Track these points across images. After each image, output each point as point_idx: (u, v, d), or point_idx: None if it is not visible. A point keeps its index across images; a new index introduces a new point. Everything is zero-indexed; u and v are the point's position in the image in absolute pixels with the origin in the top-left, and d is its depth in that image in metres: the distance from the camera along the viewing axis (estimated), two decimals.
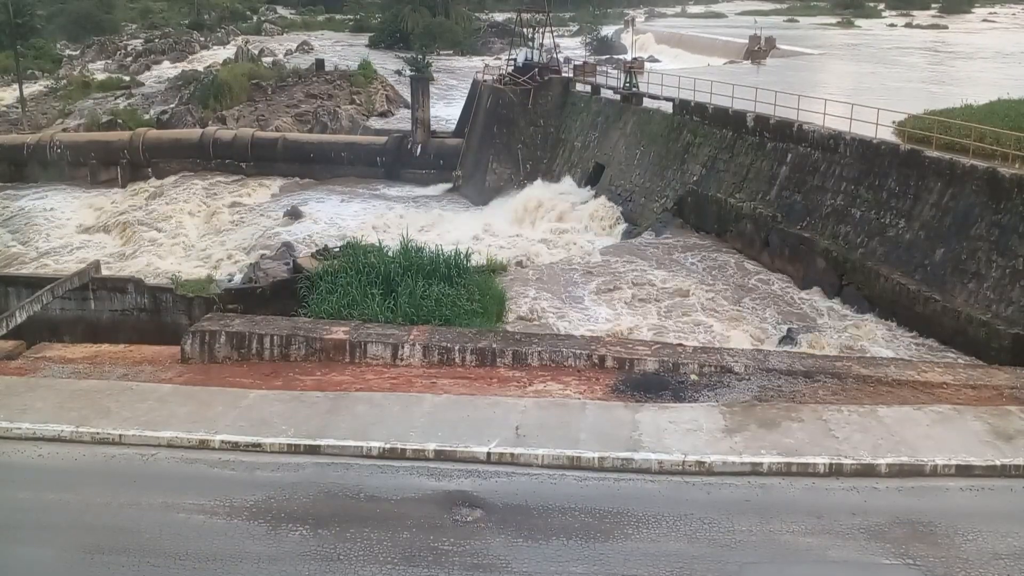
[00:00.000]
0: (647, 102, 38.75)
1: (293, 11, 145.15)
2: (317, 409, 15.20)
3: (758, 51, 64.16)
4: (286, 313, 20.32)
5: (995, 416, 14.97)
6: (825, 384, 16.14)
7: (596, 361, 17.04)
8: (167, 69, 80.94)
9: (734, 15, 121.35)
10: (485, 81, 47.84)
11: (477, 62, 71.93)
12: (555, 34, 51.87)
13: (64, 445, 14.20)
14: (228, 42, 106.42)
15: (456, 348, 17.27)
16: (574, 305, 24.84)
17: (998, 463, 13.47)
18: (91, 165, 48.68)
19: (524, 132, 44.34)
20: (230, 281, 30.67)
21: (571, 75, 45.98)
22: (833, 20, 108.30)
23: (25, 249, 38.03)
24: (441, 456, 13.78)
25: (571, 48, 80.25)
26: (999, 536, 11.80)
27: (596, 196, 38.28)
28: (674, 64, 68.27)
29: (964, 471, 13.37)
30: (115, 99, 64.56)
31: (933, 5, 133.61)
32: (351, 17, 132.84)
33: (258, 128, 53.65)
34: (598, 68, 47.19)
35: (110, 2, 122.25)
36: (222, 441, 14.16)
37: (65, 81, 73.69)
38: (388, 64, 76.83)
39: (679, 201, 32.70)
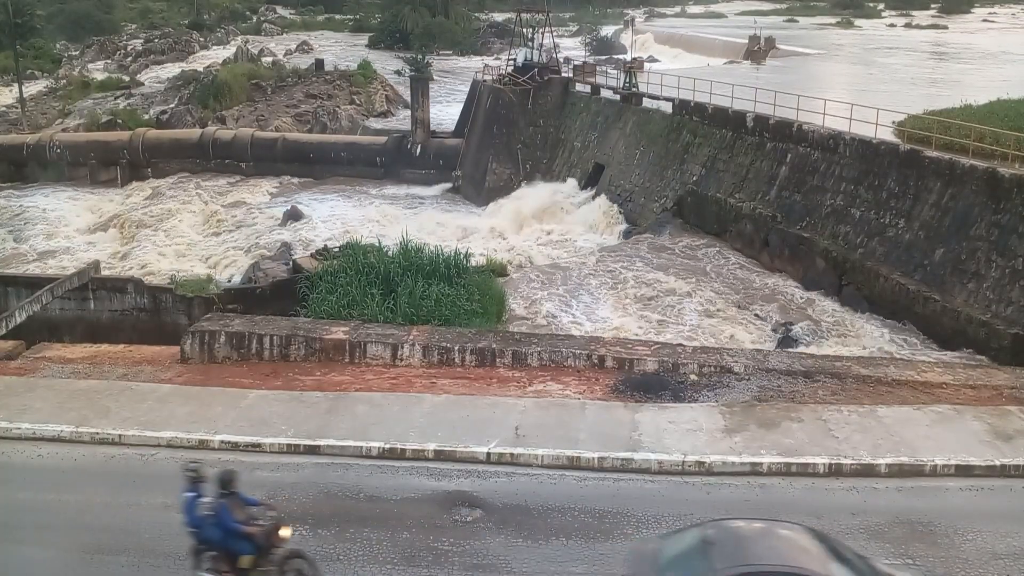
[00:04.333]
0: (647, 102, 38.76)
1: (293, 11, 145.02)
2: (317, 409, 15.19)
3: (757, 51, 64.29)
4: (286, 313, 20.32)
5: (995, 416, 14.96)
6: (825, 384, 16.12)
7: (596, 361, 17.03)
8: (167, 69, 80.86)
9: (734, 15, 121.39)
10: (485, 81, 47.84)
11: (477, 62, 71.89)
12: (555, 34, 51.86)
13: (64, 445, 14.20)
14: (228, 42, 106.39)
15: (456, 348, 17.25)
16: (574, 305, 24.85)
17: (998, 463, 13.47)
18: (91, 165, 48.69)
19: (524, 132, 44.35)
20: (229, 281, 30.67)
21: (571, 75, 45.97)
22: (833, 20, 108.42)
23: (25, 249, 37.97)
24: (441, 456, 13.76)
25: (571, 48, 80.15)
26: (999, 536, 11.79)
27: (596, 196, 38.26)
28: (673, 64, 68.28)
29: (964, 471, 13.36)
30: (115, 99, 64.47)
31: (932, 5, 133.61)
32: (351, 17, 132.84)
33: (258, 128, 53.65)
34: (598, 68, 47.23)
35: (110, 2, 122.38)
36: (222, 441, 14.16)
37: (65, 81, 73.62)
38: (388, 64, 76.75)
39: (679, 201, 32.69)
